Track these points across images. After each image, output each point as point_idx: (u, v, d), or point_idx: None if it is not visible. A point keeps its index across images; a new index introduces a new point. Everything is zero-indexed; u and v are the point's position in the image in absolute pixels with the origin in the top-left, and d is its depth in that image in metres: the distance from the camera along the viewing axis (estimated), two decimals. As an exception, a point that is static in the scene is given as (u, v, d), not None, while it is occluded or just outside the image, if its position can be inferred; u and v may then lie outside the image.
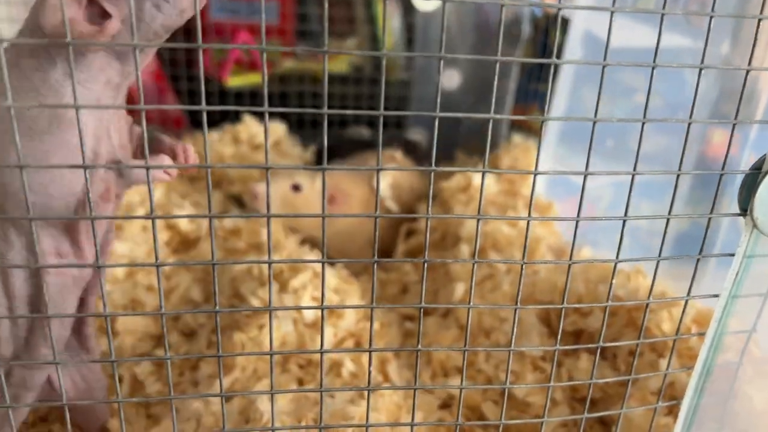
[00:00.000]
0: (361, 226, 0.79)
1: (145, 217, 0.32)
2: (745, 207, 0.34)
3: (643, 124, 0.34)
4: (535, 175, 0.33)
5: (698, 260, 0.38)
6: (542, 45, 0.99)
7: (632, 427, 0.50)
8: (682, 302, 0.51)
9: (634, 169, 0.36)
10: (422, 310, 0.36)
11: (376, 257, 0.34)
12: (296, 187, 0.76)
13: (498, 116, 0.32)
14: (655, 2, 0.78)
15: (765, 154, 0.34)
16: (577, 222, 0.35)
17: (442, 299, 0.69)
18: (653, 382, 0.51)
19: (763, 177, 0.33)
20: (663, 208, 0.42)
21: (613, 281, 0.37)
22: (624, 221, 0.35)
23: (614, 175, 0.94)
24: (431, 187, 0.33)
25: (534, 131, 0.98)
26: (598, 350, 0.38)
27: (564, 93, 0.89)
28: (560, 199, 0.85)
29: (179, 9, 0.38)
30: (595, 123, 0.32)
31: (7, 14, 0.85)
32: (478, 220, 0.34)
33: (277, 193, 0.75)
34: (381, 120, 0.31)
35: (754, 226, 0.34)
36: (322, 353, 0.36)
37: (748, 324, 0.41)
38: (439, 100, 0.31)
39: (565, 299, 0.37)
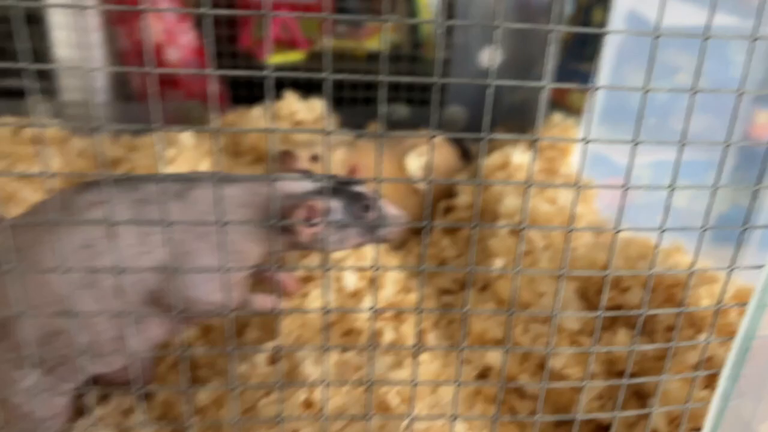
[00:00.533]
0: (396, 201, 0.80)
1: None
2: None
3: (693, 95, 0.34)
4: (586, 143, 0.34)
5: (743, 232, 0.39)
6: (584, 24, 0.98)
7: (669, 399, 0.50)
8: (722, 280, 0.51)
9: (682, 143, 0.36)
10: (470, 274, 0.38)
11: (428, 222, 0.36)
12: (314, 158, 0.76)
13: (552, 84, 0.32)
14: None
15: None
16: (625, 190, 0.36)
17: (479, 274, 0.70)
18: (691, 356, 0.51)
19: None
20: (701, 192, 0.42)
21: (656, 252, 0.38)
22: (671, 189, 0.36)
23: (654, 157, 0.93)
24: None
25: (574, 110, 0.98)
26: (642, 317, 0.39)
27: (606, 72, 0.88)
28: (600, 179, 0.85)
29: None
30: (646, 92, 0.33)
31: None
32: (528, 188, 0.35)
33: (298, 164, 0.75)
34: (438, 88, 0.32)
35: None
36: (374, 310, 0.38)
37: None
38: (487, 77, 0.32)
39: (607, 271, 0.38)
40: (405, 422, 0.43)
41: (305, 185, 0.49)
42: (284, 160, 0.70)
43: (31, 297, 0.43)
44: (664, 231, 0.36)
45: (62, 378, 0.47)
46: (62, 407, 0.48)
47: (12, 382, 0.45)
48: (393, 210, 0.53)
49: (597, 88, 0.33)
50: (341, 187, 0.50)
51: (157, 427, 0.53)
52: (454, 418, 0.40)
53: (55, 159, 0.83)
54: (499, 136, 0.33)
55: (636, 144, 0.34)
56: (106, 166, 0.88)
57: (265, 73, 0.31)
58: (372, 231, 0.51)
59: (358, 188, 0.51)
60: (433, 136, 0.34)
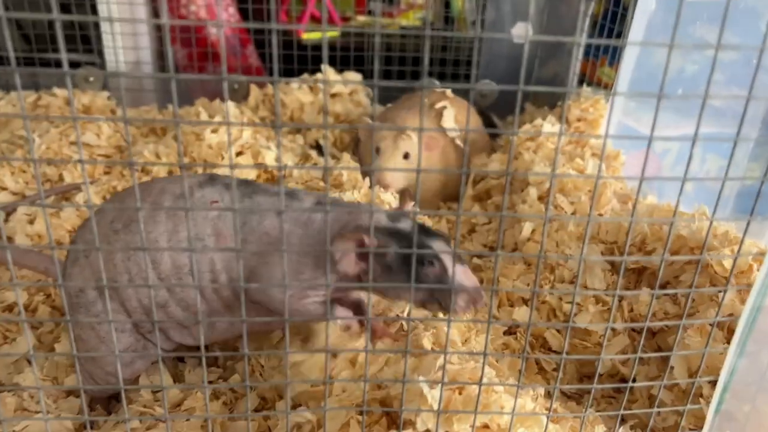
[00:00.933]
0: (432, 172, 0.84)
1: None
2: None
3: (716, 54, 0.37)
4: (614, 95, 0.36)
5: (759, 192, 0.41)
6: (615, 2, 0.99)
7: (690, 357, 0.53)
8: (744, 244, 0.53)
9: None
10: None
11: (458, 210, 0.39)
12: (377, 150, 0.80)
13: (584, 39, 0.35)
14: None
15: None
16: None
17: (509, 238, 0.73)
18: (711, 313, 0.54)
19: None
20: (732, 162, 0.44)
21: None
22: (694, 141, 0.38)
23: (683, 130, 0.95)
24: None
25: (602, 84, 1.00)
26: (661, 270, 0.42)
27: (634, 50, 0.89)
28: (627, 152, 0.87)
29: None
30: (672, 47, 0.35)
31: None
32: (553, 164, 0.38)
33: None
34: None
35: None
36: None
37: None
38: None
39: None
40: (439, 360, 0.46)
41: (380, 218, 0.48)
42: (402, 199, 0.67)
43: (142, 269, 0.48)
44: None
45: (152, 342, 0.52)
46: (142, 368, 0.54)
47: (110, 341, 0.50)
48: (467, 279, 0.46)
49: (628, 44, 0.36)
50: (407, 233, 0.46)
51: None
52: (484, 356, 0.44)
53: (104, 127, 0.88)
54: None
55: (660, 98, 0.36)
56: (152, 135, 0.93)
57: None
58: (432, 294, 0.46)
59: (436, 243, 0.46)
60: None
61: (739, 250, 0.42)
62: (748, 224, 0.40)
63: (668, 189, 0.85)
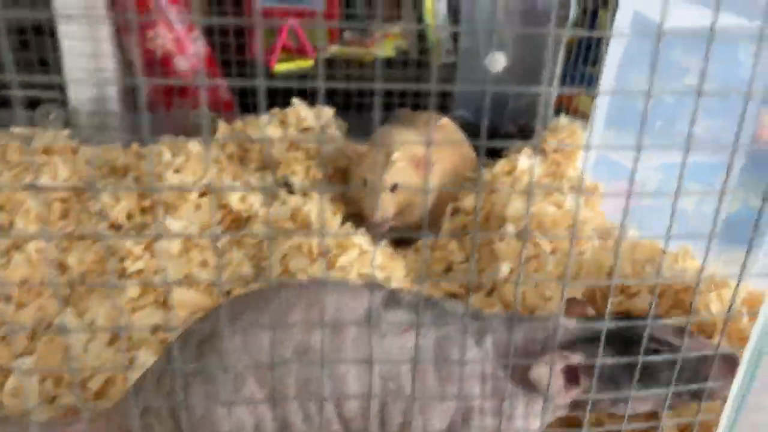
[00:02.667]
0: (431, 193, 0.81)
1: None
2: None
3: (698, 98, 0.34)
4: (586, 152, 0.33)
5: (751, 240, 0.38)
6: (590, 27, 0.97)
7: (680, 410, 0.50)
8: (731, 285, 0.50)
9: (686, 148, 0.36)
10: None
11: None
12: (394, 188, 0.78)
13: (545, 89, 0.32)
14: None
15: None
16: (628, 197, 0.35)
17: (487, 278, 0.70)
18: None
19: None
20: (712, 191, 0.42)
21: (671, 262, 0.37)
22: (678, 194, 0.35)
23: (662, 160, 0.93)
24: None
25: (579, 114, 0.98)
26: (648, 327, 0.39)
27: (611, 75, 0.87)
28: (606, 182, 0.84)
29: None
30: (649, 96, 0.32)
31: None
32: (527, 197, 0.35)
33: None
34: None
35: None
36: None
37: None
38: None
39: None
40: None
41: (569, 324, 0.41)
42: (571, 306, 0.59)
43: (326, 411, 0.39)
44: (670, 238, 0.35)
45: None
46: None
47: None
48: (706, 346, 0.40)
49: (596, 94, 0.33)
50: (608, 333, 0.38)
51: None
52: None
53: (63, 168, 0.84)
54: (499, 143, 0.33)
55: (639, 150, 0.33)
56: (112, 175, 0.89)
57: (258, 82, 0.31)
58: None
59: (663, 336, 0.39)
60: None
61: (731, 303, 0.39)
62: (740, 278, 0.37)
63: (649, 219, 0.82)
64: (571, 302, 0.47)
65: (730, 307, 0.42)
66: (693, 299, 0.40)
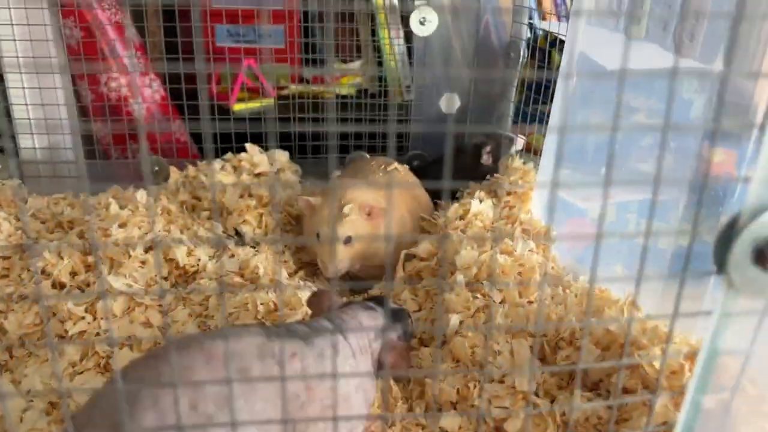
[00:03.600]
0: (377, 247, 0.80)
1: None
2: (721, 264, 0.33)
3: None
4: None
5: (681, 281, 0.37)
6: (541, 66, 0.98)
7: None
8: (677, 337, 0.50)
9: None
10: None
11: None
12: (369, 214, 0.78)
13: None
14: (648, 25, 0.77)
15: (738, 211, 0.32)
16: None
17: (437, 330, 0.69)
18: (645, 421, 0.50)
19: (737, 235, 0.32)
20: (664, 227, 0.41)
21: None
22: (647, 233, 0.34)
23: (616, 198, 0.93)
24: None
25: (533, 151, 0.98)
26: (577, 377, 0.38)
27: (560, 113, 0.88)
28: (559, 222, 0.84)
29: None
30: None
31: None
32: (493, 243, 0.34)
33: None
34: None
35: (730, 285, 0.33)
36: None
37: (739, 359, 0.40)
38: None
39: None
40: None
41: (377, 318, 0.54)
42: (320, 299, 0.62)
43: None
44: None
45: None
46: None
47: None
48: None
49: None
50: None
51: None
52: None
53: (4, 224, 0.81)
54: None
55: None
56: (58, 229, 0.86)
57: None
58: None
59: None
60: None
61: (665, 354, 0.38)
62: (672, 319, 0.36)
63: (600, 263, 0.82)
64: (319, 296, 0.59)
65: (664, 351, 0.41)
66: (624, 345, 0.39)
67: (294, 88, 1.32)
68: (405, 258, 0.83)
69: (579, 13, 0.78)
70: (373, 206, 0.78)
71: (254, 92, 1.26)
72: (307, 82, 1.31)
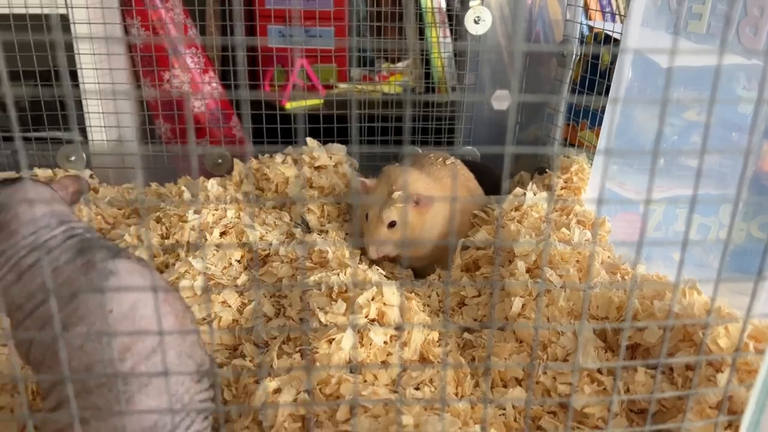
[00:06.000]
0: (434, 230, 0.83)
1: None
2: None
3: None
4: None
5: (760, 271, 0.40)
6: (593, 65, 1.01)
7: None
8: (738, 317, 0.53)
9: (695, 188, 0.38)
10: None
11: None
12: (366, 217, 0.82)
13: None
14: (707, 23, 0.79)
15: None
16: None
17: (499, 313, 0.72)
18: (711, 396, 0.53)
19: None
20: (717, 223, 0.44)
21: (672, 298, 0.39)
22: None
23: (667, 193, 0.95)
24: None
25: (583, 147, 1.01)
26: (659, 366, 0.41)
27: (615, 109, 0.90)
28: (611, 215, 0.87)
29: None
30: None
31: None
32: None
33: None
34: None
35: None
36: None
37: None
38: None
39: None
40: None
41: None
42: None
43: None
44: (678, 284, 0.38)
45: None
46: None
47: None
48: None
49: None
50: None
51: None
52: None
53: (84, 210, 0.87)
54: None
55: (647, 201, 0.36)
56: (134, 215, 0.92)
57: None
58: None
59: None
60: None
61: (738, 346, 0.41)
62: (745, 323, 0.39)
63: (655, 253, 0.84)
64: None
65: (738, 345, 0.44)
66: (702, 337, 0.42)
67: (343, 87, 1.37)
68: (461, 247, 0.86)
69: (634, 11, 0.81)
70: (421, 195, 0.81)
71: (305, 91, 1.30)
72: (356, 81, 1.36)
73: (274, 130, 1.09)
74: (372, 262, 0.81)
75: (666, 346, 0.47)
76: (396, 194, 0.80)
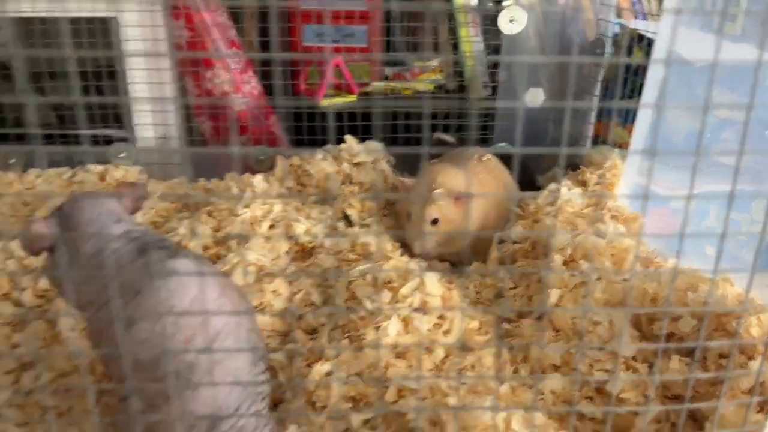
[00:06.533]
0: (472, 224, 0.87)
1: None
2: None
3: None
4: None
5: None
6: (626, 63, 1.03)
7: (725, 423, 0.54)
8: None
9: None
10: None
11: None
12: (408, 215, 0.85)
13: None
14: (742, 25, 0.81)
15: None
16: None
17: (536, 304, 0.75)
18: (744, 382, 0.55)
19: None
20: (749, 219, 0.47)
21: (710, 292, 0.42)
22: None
23: (699, 189, 0.98)
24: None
25: (616, 144, 1.03)
26: (697, 350, 0.44)
27: (648, 109, 0.93)
28: (645, 212, 0.89)
29: None
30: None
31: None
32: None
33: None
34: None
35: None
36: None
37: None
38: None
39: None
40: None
41: None
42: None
43: None
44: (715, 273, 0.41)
45: None
46: None
47: None
48: None
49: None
50: None
51: None
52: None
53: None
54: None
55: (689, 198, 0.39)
56: (185, 210, 0.97)
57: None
58: None
59: None
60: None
61: None
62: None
63: (688, 247, 0.87)
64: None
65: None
66: (736, 324, 0.45)
67: (376, 85, 1.41)
68: (498, 240, 0.89)
69: (670, 11, 0.83)
70: (461, 192, 0.84)
71: (340, 89, 1.34)
72: (389, 79, 1.39)
73: (311, 128, 1.13)
74: (413, 256, 0.85)
75: (702, 334, 0.50)
76: (436, 192, 0.83)
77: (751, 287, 0.45)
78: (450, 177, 0.86)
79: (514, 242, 0.86)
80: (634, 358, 0.64)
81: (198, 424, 0.53)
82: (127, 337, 0.52)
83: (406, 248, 0.89)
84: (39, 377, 0.67)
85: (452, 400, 0.57)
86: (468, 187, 0.86)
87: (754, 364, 0.55)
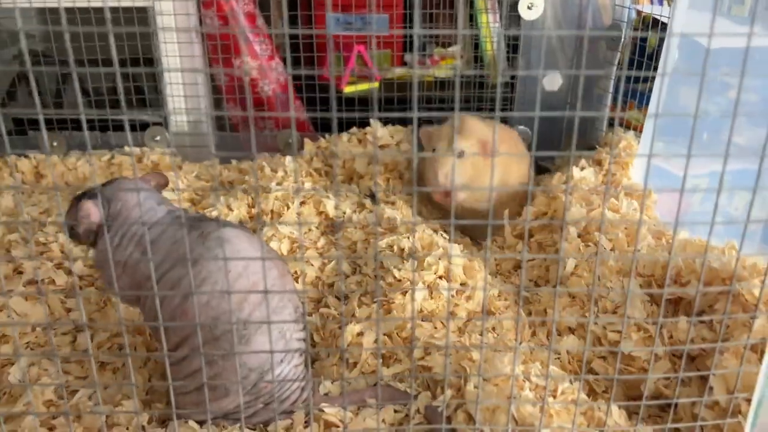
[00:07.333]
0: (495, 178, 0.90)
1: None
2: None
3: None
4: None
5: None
6: (640, 47, 1.07)
7: (727, 377, 0.59)
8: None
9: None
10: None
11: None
12: (433, 150, 0.89)
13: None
14: (750, 5, 0.85)
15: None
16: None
17: (552, 273, 0.80)
18: (746, 339, 0.60)
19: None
20: (758, 197, 0.50)
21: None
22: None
23: (710, 168, 1.01)
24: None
25: (630, 127, 1.07)
26: (697, 301, 0.48)
27: (661, 91, 0.96)
28: (657, 190, 0.93)
29: None
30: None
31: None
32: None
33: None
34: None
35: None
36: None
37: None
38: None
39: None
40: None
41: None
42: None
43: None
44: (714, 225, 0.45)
45: None
46: None
47: None
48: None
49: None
50: None
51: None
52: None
53: (179, 180, 0.98)
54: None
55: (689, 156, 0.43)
56: (222, 187, 1.02)
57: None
58: None
59: None
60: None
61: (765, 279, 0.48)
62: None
63: (698, 224, 0.91)
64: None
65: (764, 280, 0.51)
66: (733, 270, 0.49)
67: (397, 72, 1.45)
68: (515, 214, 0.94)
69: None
70: (487, 142, 0.88)
71: (362, 76, 1.39)
72: (410, 66, 1.44)
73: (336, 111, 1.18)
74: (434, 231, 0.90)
75: (700, 287, 0.54)
76: (466, 130, 0.87)
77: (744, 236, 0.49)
78: (479, 126, 0.90)
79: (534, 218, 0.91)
80: (645, 320, 0.69)
81: (249, 375, 0.59)
82: (189, 303, 0.58)
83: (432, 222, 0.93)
84: (93, 337, 0.74)
85: (475, 355, 0.62)
86: (493, 137, 0.89)
87: (756, 323, 0.59)
